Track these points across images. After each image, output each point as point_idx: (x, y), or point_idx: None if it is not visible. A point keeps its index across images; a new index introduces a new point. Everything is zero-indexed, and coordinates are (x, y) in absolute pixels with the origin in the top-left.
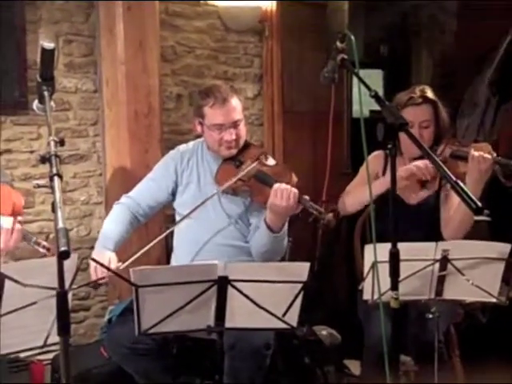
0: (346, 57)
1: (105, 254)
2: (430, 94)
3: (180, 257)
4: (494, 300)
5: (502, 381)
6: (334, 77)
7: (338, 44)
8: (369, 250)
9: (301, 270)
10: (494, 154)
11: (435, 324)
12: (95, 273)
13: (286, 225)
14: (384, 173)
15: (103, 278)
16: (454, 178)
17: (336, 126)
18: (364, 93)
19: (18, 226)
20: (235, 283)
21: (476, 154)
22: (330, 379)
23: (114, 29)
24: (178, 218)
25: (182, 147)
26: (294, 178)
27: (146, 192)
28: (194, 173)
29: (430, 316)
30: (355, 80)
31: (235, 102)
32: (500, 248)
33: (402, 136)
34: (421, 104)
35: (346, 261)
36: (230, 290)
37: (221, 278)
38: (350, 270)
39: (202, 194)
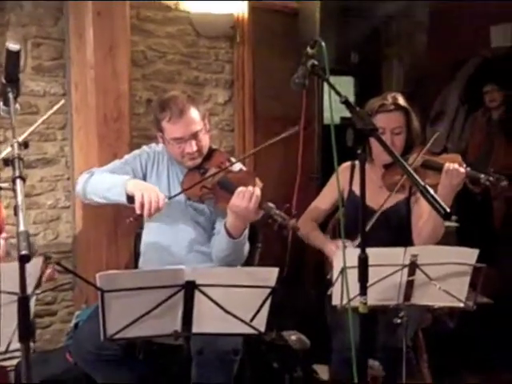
0: (316, 63)
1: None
2: (401, 101)
3: (147, 262)
4: (461, 305)
5: None
6: (304, 83)
7: (309, 50)
8: (337, 255)
9: (269, 275)
10: (464, 165)
11: (403, 329)
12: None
13: (247, 231)
14: (351, 185)
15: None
16: (423, 184)
17: (307, 132)
18: (335, 100)
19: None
20: (202, 288)
21: (451, 167)
22: None
23: (83, 33)
24: (145, 220)
25: (155, 147)
26: (259, 183)
27: (113, 169)
28: (163, 177)
29: (399, 321)
30: (326, 87)
31: (193, 113)
32: (468, 253)
33: (374, 143)
34: (393, 111)
35: (316, 266)
36: (198, 295)
37: (188, 282)
38: (320, 275)
39: (170, 201)
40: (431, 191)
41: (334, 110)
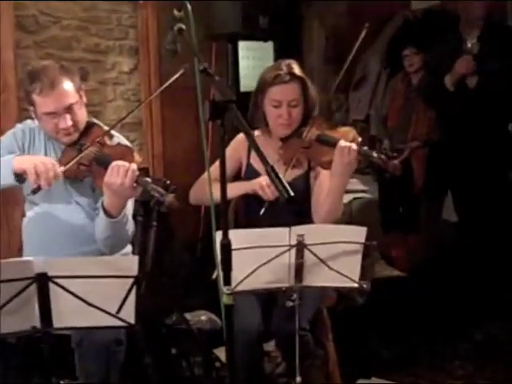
0: (183, 27)
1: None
2: (297, 70)
3: (29, 251)
4: (355, 285)
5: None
6: (175, 48)
7: (176, 13)
8: (219, 236)
9: (130, 263)
10: (359, 139)
11: (296, 312)
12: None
13: (128, 210)
14: (249, 158)
15: None
16: (271, 163)
17: None
18: (253, 66)
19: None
20: (57, 280)
21: (342, 144)
22: (197, 371)
23: None
24: (27, 204)
25: (30, 124)
26: (138, 159)
27: None
28: (41, 154)
29: (291, 304)
30: (242, 53)
31: (66, 84)
32: (357, 231)
33: (270, 114)
34: (288, 82)
35: None
36: (53, 287)
37: (39, 275)
38: None
39: None
40: (277, 171)
41: (253, 78)
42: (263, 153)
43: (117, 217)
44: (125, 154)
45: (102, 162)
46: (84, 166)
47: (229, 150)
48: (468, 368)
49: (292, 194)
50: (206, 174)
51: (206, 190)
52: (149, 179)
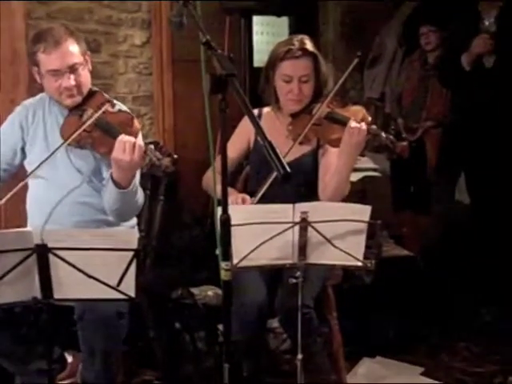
0: None
1: None
2: (309, 45)
3: (33, 219)
4: (359, 264)
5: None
6: (181, 21)
7: None
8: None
9: (129, 236)
10: (369, 119)
11: (299, 289)
12: None
13: (136, 179)
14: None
15: None
16: (269, 138)
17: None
18: (267, 42)
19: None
20: (57, 251)
21: (352, 124)
22: (200, 345)
23: None
24: (30, 180)
25: (28, 101)
26: (137, 125)
27: None
28: (40, 128)
29: (294, 281)
30: (256, 28)
31: (71, 45)
32: (361, 210)
33: (281, 89)
34: (300, 57)
35: None
36: (53, 259)
37: (39, 246)
38: None
39: (50, 151)
40: (274, 147)
41: (265, 53)
42: (262, 128)
43: (127, 188)
44: (126, 120)
45: (104, 128)
46: (85, 132)
47: (237, 130)
48: (474, 349)
49: (289, 170)
50: (210, 169)
51: (211, 183)
52: (152, 147)
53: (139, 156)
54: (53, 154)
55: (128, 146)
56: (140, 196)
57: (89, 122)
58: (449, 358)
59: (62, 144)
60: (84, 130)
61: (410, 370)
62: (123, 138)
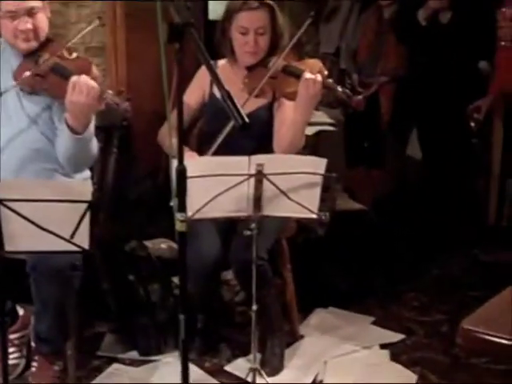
0: None
1: None
2: None
3: None
4: (314, 216)
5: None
6: None
7: None
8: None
9: (83, 188)
10: (325, 72)
11: (253, 241)
12: None
13: (92, 126)
14: (211, 87)
15: None
16: (227, 89)
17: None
18: None
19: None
20: (8, 203)
21: (307, 75)
22: (154, 298)
23: None
24: None
25: None
26: (96, 72)
27: None
28: None
29: (249, 233)
30: None
31: None
32: (317, 162)
33: (236, 42)
34: (257, 9)
35: None
36: (5, 210)
37: None
38: None
39: (3, 96)
40: (233, 98)
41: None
42: (220, 78)
43: (82, 133)
44: (83, 66)
45: (60, 73)
46: (39, 77)
47: (193, 81)
48: (423, 300)
49: (247, 120)
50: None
51: (167, 139)
52: (110, 91)
53: (94, 97)
54: (2, 94)
55: (84, 88)
56: (94, 145)
57: (39, 67)
58: (398, 308)
59: (10, 87)
60: (39, 75)
61: (361, 319)
62: (78, 79)
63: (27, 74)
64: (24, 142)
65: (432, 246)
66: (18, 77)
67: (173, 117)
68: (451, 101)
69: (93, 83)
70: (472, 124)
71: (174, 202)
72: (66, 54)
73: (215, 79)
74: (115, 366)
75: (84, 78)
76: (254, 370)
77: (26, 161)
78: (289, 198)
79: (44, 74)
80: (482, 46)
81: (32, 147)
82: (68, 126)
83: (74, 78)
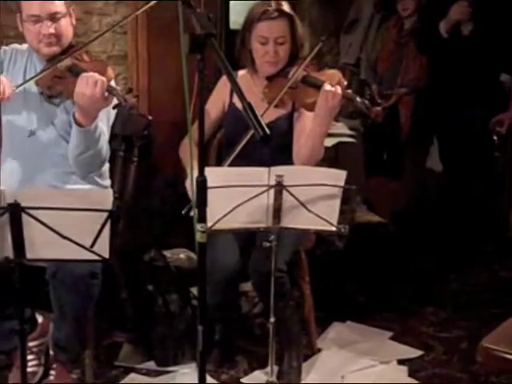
0: None
1: None
2: (286, 7)
3: (5, 175)
4: (333, 229)
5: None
6: None
7: None
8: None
9: (103, 197)
10: (345, 83)
11: (272, 253)
12: None
13: (103, 127)
14: (231, 96)
15: None
16: (248, 100)
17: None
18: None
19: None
20: (30, 211)
21: (327, 87)
22: (172, 308)
23: None
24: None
25: (16, 46)
26: (111, 73)
27: None
28: (19, 77)
29: (268, 244)
30: None
31: None
32: (336, 175)
33: (257, 52)
34: (276, 18)
35: None
36: (26, 218)
37: (11, 205)
38: None
39: (27, 102)
40: (254, 109)
41: (241, 14)
42: (241, 88)
43: (88, 126)
44: (99, 67)
45: (76, 72)
46: (58, 78)
47: (214, 93)
48: (442, 315)
49: (268, 132)
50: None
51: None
52: (119, 88)
53: (100, 91)
54: (23, 84)
55: (90, 81)
56: (104, 148)
57: (60, 67)
58: (417, 323)
59: (30, 79)
60: (57, 77)
61: (379, 334)
62: (86, 73)
63: (47, 77)
64: (44, 145)
65: (451, 261)
66: (39, 81)
67: (193, 128)
68: (472, 114)
69: (100, 76)
70: (494, 137)
71: (190, 211)
72: (85, 57)
73: (236, 90)
74: (132, 376)
75: (92, 73)
76: (270, 383)
77: (45, 164)
78: (308, 210)
79: (61, 75)
80: (504, 59)
81: (51, 151)
82: (75, 121)
83: (83, 74)
